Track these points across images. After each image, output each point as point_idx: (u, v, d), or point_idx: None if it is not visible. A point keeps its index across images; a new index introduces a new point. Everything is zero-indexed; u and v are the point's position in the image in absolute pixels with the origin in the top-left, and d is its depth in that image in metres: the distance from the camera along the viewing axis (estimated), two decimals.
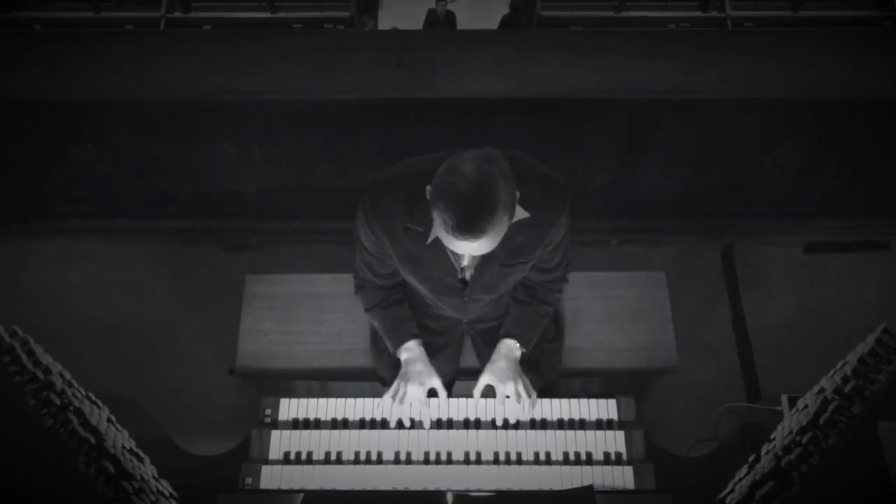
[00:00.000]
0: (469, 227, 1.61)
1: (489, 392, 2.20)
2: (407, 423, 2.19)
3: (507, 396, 2.18)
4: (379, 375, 2.50)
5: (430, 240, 1.83)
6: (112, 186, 3.29)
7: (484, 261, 1.92)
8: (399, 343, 2.20)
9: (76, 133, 3.06)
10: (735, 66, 2.91)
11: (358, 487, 2.05)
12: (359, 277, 2.15)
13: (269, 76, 2.88)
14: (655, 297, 2.68)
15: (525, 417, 2.20)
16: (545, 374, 2.42)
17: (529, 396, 2.18)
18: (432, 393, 2.23)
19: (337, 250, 2.37)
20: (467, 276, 1.98)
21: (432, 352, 2.35)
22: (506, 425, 2.21)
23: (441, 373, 2.41)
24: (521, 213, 1.80)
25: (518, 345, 2.18)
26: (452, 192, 1.60)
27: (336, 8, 3.49)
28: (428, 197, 1.68)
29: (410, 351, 2.20)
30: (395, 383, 2.21)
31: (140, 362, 3.29)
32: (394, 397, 2.20)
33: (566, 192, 1.91)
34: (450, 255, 1.91)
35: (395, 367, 2.42)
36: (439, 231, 1.68)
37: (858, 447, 1.68)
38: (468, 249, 1.70)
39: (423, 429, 2.20)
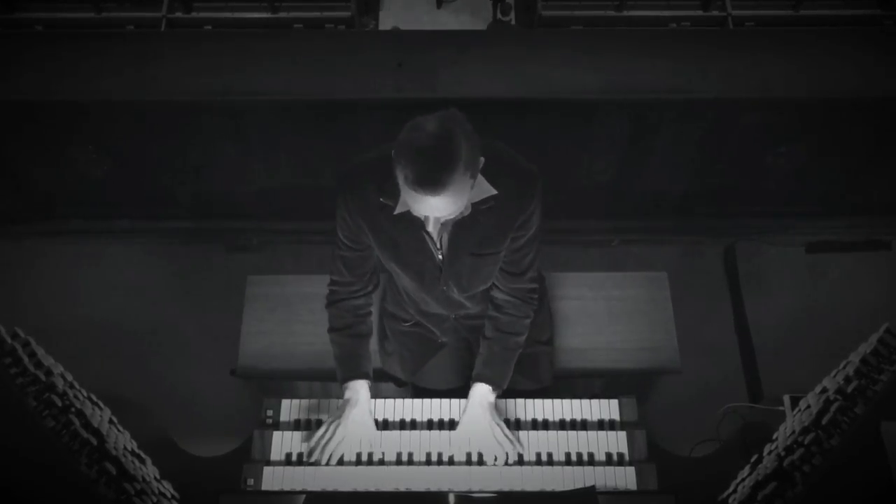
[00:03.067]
0: (429, 180, 1.61)
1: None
2: (334, 462, 2.10)
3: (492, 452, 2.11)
4: (390, 376, 2.49)
5: (397, 210, 1.82)
6: (113, 187, 3.29)
7: (454, 247, 1.93)
8: (348, 378, 2.14)
9: (77, 134, 3.06)
10: (736, 66, 2.90)
11: (360, 489, 2.05)
12: (334, 283, 2.12)
13: (270, 76, 2.87)
14: (657, 298, 2.69)
15: (510, 460, 2.11)
16: (539, 377, 2.41)
17: (511, 444, 2.10)
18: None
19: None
20: (440, 256, 1.96)
21: (432, 351, 2.35)
22: (507, 426, 2.20)
23: (446, 372, 2.41)
24: (488, 190, 1.82)
25: (490, 389, 2.13)
26: (413, 147, 1.62)
27: (337, 8, 3.47)
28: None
29: (355, 392, 2.13)
30: (326, 425, 2.13)
31: (141, 363, 3.30)
32: (318, 442, 2.11)
33: (537, 181, 1.90)
34: (425, 236, 1.91)
35: (405, 366, 2.41)
36: (403, 191, 1.68)
37: (861, 447, 1.68)
38: (430, 207, 1.69)
39: (425, 430, 2.19)
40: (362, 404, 2.14)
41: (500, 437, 2.10)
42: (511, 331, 2.14)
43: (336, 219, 1.98)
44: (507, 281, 2.08)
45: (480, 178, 1.78)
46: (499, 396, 2.19)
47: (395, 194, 1.80)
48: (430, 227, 1.88)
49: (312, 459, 2.10)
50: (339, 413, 2.14)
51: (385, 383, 2.59)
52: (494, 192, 1.83)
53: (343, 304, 2.12)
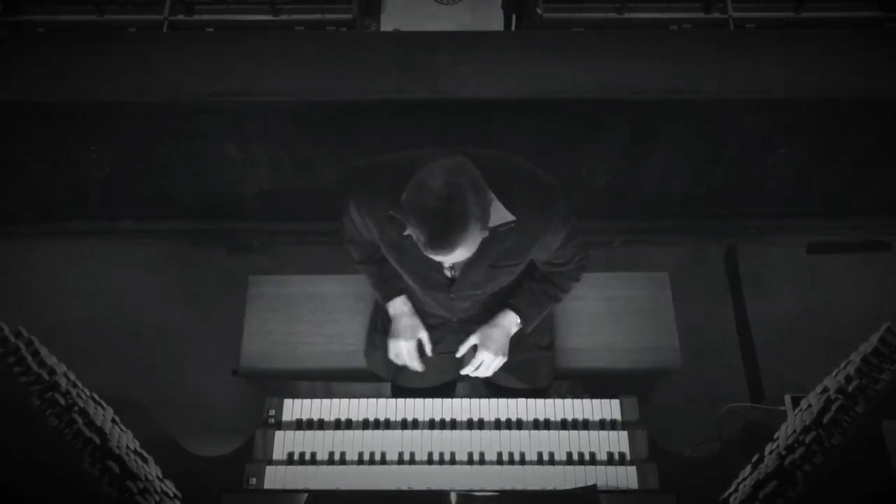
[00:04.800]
0: (440, 243, 1.64)
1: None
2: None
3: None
4: (371, 374, 2.50)
5: (406, 231, 1.84)
6: (115, 188, 3.30)
7: (471, 262, 1.92)
8: (388, 297, 2.27)
9: (79, 135, 3.06)
10: (737, 67, 2.91)
11: (362, 488, 2.05)
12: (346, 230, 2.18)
13: (272, 78, 2.88)
14: (658, 298, 2.69)
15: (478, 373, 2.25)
16: (536, 380, 2.42)
17: (488, 370, 2.23)
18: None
19: (339, 251, 2.38)
20: (454, 275, 1.99)
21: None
22: (508, 425, 2.21)
23: (439, 369, 2.42)
24: (505, 216, 1.80)
25: (518, 320, 2.20)
26: (421, 209, 1.63)
27: (338, 10, 3.49)
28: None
29: (395, 306, 2.26)
30: (392, 346, 2.27)
31: (144, 363, 3.30)
32: (395, 357, 2.27)
33: (559, 197, 1.88)
34: None
35: (389, 364, 2.42)
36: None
37: (862, 446, 1.68)
38: (444, 260, 1.75)
39: (426, 429, 2.20)
40: (406, 312, 2.26)
41: (488, 359, 2.20)
42: (558, 283, 2.20)
43: (342, 218, 1.98)
44: (553, 268, 2.15)
45: (497, 204, 1.77)
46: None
47: None
48: (447, 266, 1.93)
49: (411, 370, 2.27)
50: (392, 328, 2.27)
51: (365, 384, 2.62)
52: (512, 217, 1.80)
53: (359, 240, 2.19)
